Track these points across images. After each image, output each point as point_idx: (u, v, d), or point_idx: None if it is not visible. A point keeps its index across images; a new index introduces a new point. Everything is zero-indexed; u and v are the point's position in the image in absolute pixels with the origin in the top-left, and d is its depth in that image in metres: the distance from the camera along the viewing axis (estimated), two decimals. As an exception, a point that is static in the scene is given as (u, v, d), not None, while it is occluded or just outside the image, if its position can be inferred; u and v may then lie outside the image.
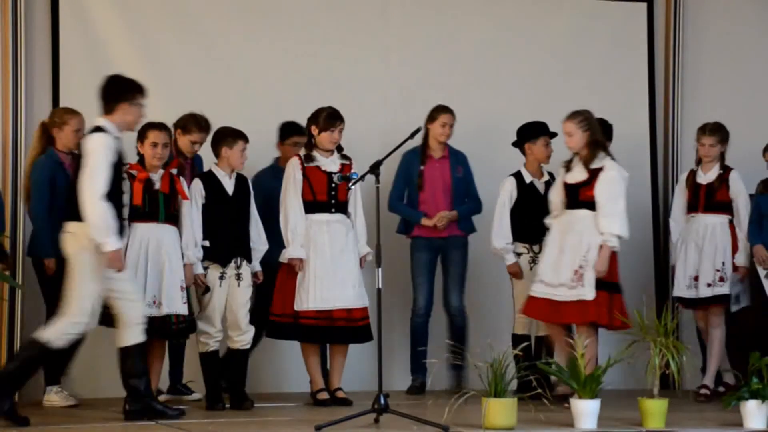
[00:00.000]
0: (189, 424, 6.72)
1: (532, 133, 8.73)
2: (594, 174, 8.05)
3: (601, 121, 8.55)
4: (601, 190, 7.99)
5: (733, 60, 10.74)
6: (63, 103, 8.99)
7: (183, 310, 7.69)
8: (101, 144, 7.00)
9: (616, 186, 8.05)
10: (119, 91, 7.24)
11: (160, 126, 7.87)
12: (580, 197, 8.05)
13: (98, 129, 7.10)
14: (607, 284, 7.91)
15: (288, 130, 8.81)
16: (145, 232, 7.68)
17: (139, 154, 7.86)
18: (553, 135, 8.75)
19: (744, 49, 10.78)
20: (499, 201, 8.64)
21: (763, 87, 10.69)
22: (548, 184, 8.64)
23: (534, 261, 8.54)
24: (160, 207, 7.69)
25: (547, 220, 8.25)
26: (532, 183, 8.71)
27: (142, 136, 7.78)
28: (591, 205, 7.97)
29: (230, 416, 7.34)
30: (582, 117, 8.09)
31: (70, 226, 7.00)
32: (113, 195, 6.95)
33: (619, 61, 10.53)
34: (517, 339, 8.42)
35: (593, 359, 7.34)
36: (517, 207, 8.64)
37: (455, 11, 10.07)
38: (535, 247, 8.58)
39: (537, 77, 10.09)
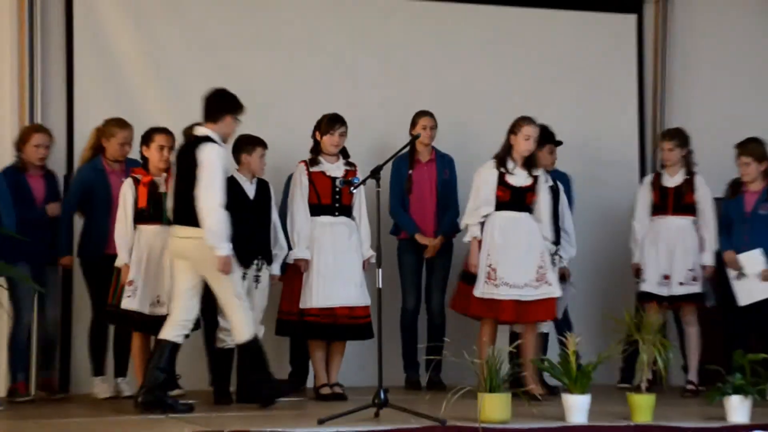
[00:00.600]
0: (197, 417, 6.68)
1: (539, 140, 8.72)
2: (536, 180, 8.24)
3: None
4: (545, 197, 8.30)
5: (720, 69, 10.75)
6: (77, 108, 9.04)
7: None
8: (216, 155, 7.14)
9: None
10: (228, 105, 7.40)
11: (165, 130, 7.92)
12: (526, 201, 8.23)
13: (208, 139, 7.21)
14: None
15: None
16: (150, 234, 7.71)
17: (142, 158, 7.90)
18: (558, 143, 8.80)
19: (730, 60, 10.78)
20: None
21: (748, 96, 10.67)
22: (552, 190, 8.55)
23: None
24: (163, 209, 7.67)
25: (491, 218, 8.26)
26: None
27: (147, 140, 7.84)
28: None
29: (237, 410, 7.30)
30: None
31: (194, 231, 7.11)
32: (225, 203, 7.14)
33: (609, 69, 10.53)
34: (514, 336, 8.38)
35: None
36: None
37: (453, 22, 10.03)
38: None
39: (530, 85, 10.07)
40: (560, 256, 8.61)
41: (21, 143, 8.24)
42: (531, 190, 8.27)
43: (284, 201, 8.39)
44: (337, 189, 8.06)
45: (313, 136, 8.19)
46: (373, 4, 9.95)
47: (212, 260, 7.03)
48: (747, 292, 8.74)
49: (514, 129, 8.24)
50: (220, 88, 7.46)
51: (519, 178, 8.24)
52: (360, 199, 8.18)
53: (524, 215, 8.23)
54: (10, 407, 7.81)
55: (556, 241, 8.54)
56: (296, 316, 8.00)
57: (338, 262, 8.00)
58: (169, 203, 7.48)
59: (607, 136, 9.37)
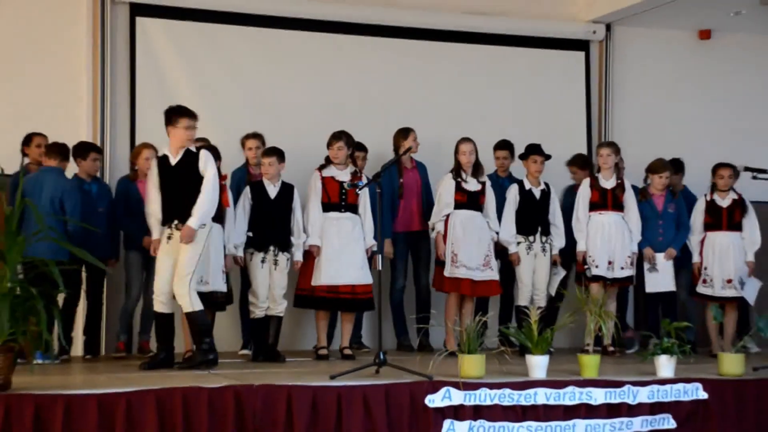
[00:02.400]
0: (232, 373, 6.63)
1: (526, 152, 8.73)
2: (483, 185, 8.50)
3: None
4: (491, 198, 8.56)
5: (650, 96, 10.82)
6: (138, 127, 9.14)
7: (223, 288, 7.69)
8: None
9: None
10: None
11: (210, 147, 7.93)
12: (479, 202, 8.43)
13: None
14: None
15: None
16: None
17: None
18: (548, 157, 8.81)
19: (659, 88, 10.85)
20: (506, 203, 8.62)
21: (672, 117, 10.74)
22: (543, 192, 8.68)
23: (530, 248, 8.57)
24: None
25: (452, 216, 8.40)
26: (530, 190, 8.65)
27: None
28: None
29: (267, 367, 7.29)
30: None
31: None
32: None
33: (563, 96, 10.54)
34: (519, 310, 8.45)
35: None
36: (518, 208, 8.63)
37: (430, 58, 10.06)
38: (531, 238, 8.58)
39: (496, 109, 10.07)
40: (552, 245, 8.64)
41: (134, 157, 8.39)
42: (482, 193, 8.48)
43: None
44: (344, 190, 8.08)
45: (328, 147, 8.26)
46: (372, 47, 9.94)
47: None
48: (654, 283, 8.87)
49: (456, 149, 8.49)
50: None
51: (471, 184, 8.45)
52: (364, 198, 8.21)
53: (478, 214, 8.47)
54: (91, 361, 7.99)
55: (547, 233, 8.64)
56: (309, 292, 8.04)
57: (343, 248, 8.03)
58: None
59: (561, 149, 9.35)
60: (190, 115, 7.22)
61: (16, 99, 8.85)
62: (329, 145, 8.19)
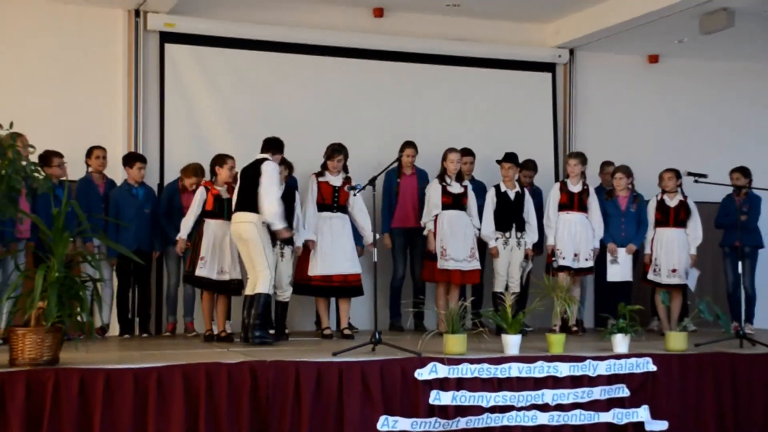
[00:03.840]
0: (247, 351, 6.63)
1: (501, 160, 8.69)
2: (465, 188, 8.51)
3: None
4: (472, 199, 8.52)
5: (609, 111, 10.83)
6: (166, 143, 9.13)
7: (238, 276, 7.65)
8: (273, 168, 7.32)
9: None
10: (278, 146, 7.55)
11: (232, 158, 7.91)
12: (462, 203, 8.42)
13: (267, 159, 7.37)
14: None
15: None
16: (215, 226, 7.69)
17: (212, 174, 7.89)
18: (521, 165, 8.87)
19: (617, 104, 10.87)
20: (486, 204, 8.53)
21: (628, 129, 10.75)
22: (517, 194, 8.61)
23: (506, 243, 8.51)
24: (224, 210, 7.67)
25: (440, 216, 8.37)
26: (505, 192, 8.57)
27: (222, 162, 7.81)
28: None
29: (276, 345, 7.25)
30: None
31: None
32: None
33: (533, 112, 10.52)
34: (495, 295, 8.41)
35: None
36: (496, 208, 8.55)
37: (419, 79, 10.02)
38: (507, 234, 8.51)
39: (475, 124, 10.02)
40: (525, 241, 8.58)
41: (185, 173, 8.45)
42: (464, 195, 8.47)
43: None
44: (336, 193, 8.09)
45: (324, 157, 8.24)
46: (369, 69, 9.89)
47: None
48: (614, 273, 8.85)
49: (444, 157, 8.51)
50: (275, 137, 7.61)
51: (455, 188, 8.44)
52: (358, 199, 8.17)
53: (462, 213, 8.46)
54: (130, 340, 7.93)
55: (521, 230, 8.57)
56: (306, 281, 8.04)
57: (335, 243, 8.03)
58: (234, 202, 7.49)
59: (532, 157, 9.39)
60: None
61: (62, 117, 8.82)
62: (330, 156, 8.17)
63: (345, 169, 8.29)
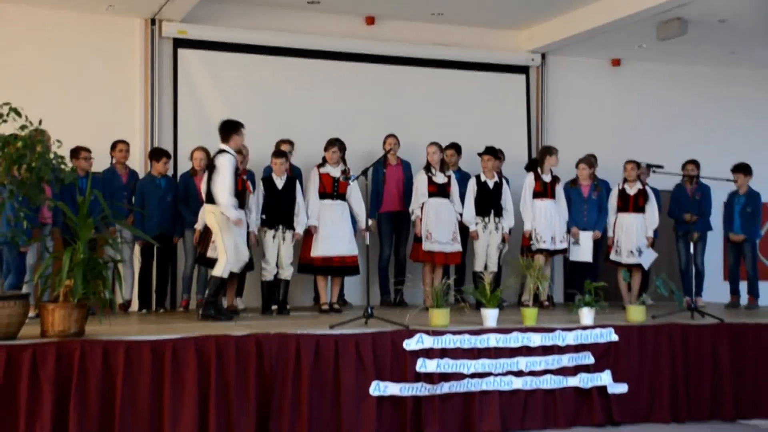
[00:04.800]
0: (251, 324, 6.58)
1: (482, 153, 8.66)
2: (449, 178, 8.46)
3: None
4: (455, 188, 8.48)
5: (578, 110, 10.80)
6: (180, 140, 9.08)
7: (247, 256, 7.60)
8: (227, 160, 7.05)
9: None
10: (229, 129, 7.22)
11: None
12: (447, 190, 8.38)
13: (222, 151, 7.11)
14: None
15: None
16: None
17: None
18: (498, 157, 8.84)
19: (585, 104, 10.84)
20: (467, 192, 8.49)
21: (595, 127, 10.72)
22: (496, 183, 8.56)
23: (485, 227, 8.46)
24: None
25: (426, 203, 8.33)
26: (485, 181, 8.52)
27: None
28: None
29: (278, 319, 7.28)
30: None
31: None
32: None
33: (508, 110, 10.50)
34: (475, 274, 8.40)
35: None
36: (477, 195, 8.51)
37: (410, 81, 10.01)
38: (486, 219, 8.47)
39: (454, 120, 9.93)
40: (502, 225, 8.55)
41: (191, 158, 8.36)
42: (448, 184, 8.44)
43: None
44: (336, 183, 8.04)
45: (324, 150, 8.20)
46: (362, 72, 9.87)
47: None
48: (576, 254, 8.85)
49: (427, 150, 8.48)
50: (226, 119, 7.30)
51: (439, 177, 8.42)
52: (354, 188, 8.14)
53: (446, 200, 8.42)
54: (162, 314, 7.90)
55: (499, 215, 8.54)
56: (309, 261, 8.02)
57: (334, 228, 7.98)
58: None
59: (507, 151, 9.38)
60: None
61: (87, 115, 8.79)
62: (326, 148, 8.14)
63: (343, 161, 8.26)
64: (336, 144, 8.14)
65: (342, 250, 8.01)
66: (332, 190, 8.07)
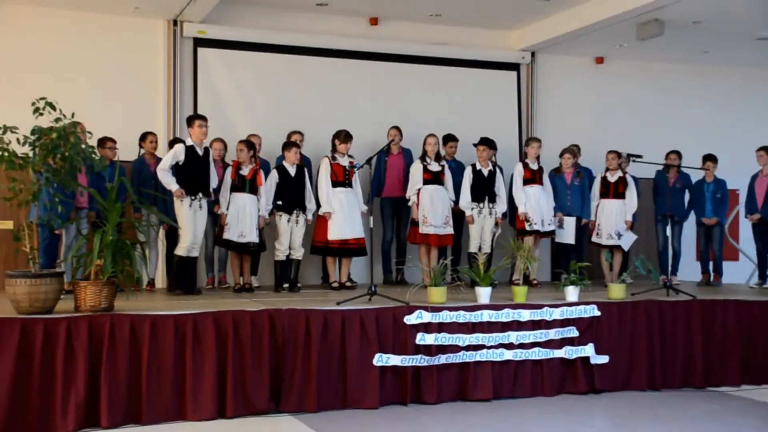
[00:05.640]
0: (262, 300, 6.62)
1: (477, 143, 8.59)
2: (443, 167, 8.42)
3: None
4: (449, 176, 8.44)
5: (564, 104, 10.73)
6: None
7: (256, 239, 7.63)
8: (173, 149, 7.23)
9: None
10: (189, 121, 7.36)
11: (246, 141, 7.87)
12: (440, 178, 8.34)
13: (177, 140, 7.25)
14: None
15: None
16: (237, 197, 7.63)
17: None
18: (493, 147, 8.71)
19: (571, 99, 10.78)
20: (464, 180, 8.41)
21: (580, 119, 10.68)
22: (490, 172, 8.46)
23: (480, 212, 8.39)
24: (246, 184, 7.63)
25: (418, 191, 8.28)
26: (480, 170, 8.43)
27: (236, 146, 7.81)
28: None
29: (288, 296, 7.24)
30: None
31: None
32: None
33: (500, 104, 10.41)
34: (470, 255, 8.30)
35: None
36: (472, 183, 8.42)
37: (411, 77, 9.93)
38: (480, 204, 8.40)
39: (452, 113, 9.86)
40: (496, 210, 8.48)
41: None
42: (442, 172, 8.39)
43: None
44: (347, 172, 8.01)
45: (333, 142, 8.14)
46: (367, 68, 9.79)
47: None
48: (560, 236, 8.84)
49: (424, 141, 8.43)
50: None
51: (434, 167, 8.37)
52: (356, 177, 8.12)
53: (440, 187, 8.37)
54: (168, 293, 7.78)
55: (492, 201, 8.45)
56: (323, 243, 8.00)
57: (345, 213, 7.94)
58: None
59: (501, 143, 9.34)
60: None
61: (115, 109, 8.77)
62: (344, 141, 8.04)
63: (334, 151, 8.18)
64: (351, 139, 8.10)
65: (353, 233, 7.97)
66: (344, 178, 8.01)
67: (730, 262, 9.91)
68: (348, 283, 8.13)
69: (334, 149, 8.12)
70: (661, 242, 9.28)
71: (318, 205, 8.04)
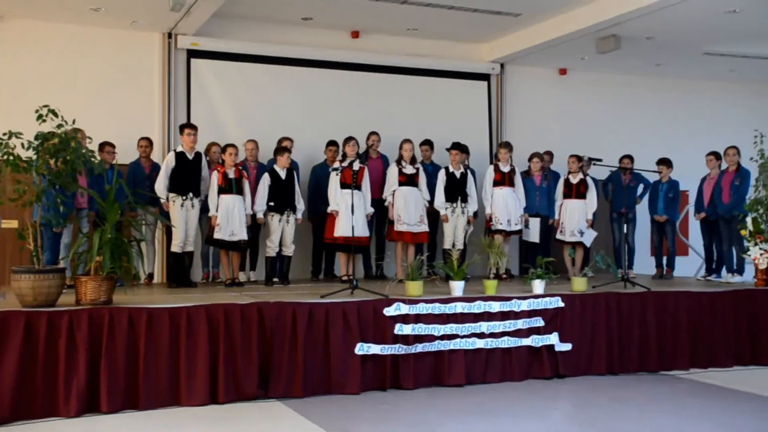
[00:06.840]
0: (256, 294, 6.59)
1: (450, 148, 8.55)
2: (417, 170, 8.39)
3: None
4: (423, 178, 8.39)
5: (531, 112, 10.77)
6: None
7: (245, 237, 7.60)
8: (168, 156, 7.38)
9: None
10: (181, 129, 7.49)
11: (234, 146, 7.77)
12: (415, 180, 8.32)
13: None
14: None
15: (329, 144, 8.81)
16: (227, 199, 7.56)
17: (222, 159, 7.79)
18: (465, 151, 8.69)
19: (537, 107, 10.81)
20: (438, 182, 8.37)
21: (545, 127, 10.72)
22: (462, 174, 8.41)
23: (453, 211, 8.34)
24: (233, 186, 7.55)
25: (393, 193, 8.26)
26: (453, 172, 8.40)
27: (225, 151, 7.70)
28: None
29: (278, 289, 7.24)
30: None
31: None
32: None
33: (472, 112, 10.39)
34: (445, 251, 8.33)
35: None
36: (446, 184, 8.37)
37: (389, 87, 9.92)
38: (454, 204, 8.36)
39: (427, 120, 9.84)
40: (468, 210, 8.47)
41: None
42: (416, 175, 8.37)
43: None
44: (354, 175, 7.88)
45: (343, 147, 8.13)
46: (349, 79, 9.76)
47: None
48: (526, 235, 8.88)
49: (400, 146, 8.39)
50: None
51: (408, 169, 8.34)
52: (366, 180, 8.11)
53: (414, 189, 8.33)
54: (168, 286, 7.73)
55: (465, 201, 8.43)
56: (332, 240, 7.97)
57: (354, 213, 7.74)
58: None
59: (472, 147, 9.35)
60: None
61: (113, 116, 8.70)
62: (345, 142, 8.07)
63: (344, 156, 8.15)
64: (354, 140, 8.10)
65: (358, 232, 7.84)
66: (351, 181, 7.81)
67: (680, 257, 10.01)
68: (345, 277, 8.02)
69: (343, 154, 8.12)
70: (617, 239, 9.34)
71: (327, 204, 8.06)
